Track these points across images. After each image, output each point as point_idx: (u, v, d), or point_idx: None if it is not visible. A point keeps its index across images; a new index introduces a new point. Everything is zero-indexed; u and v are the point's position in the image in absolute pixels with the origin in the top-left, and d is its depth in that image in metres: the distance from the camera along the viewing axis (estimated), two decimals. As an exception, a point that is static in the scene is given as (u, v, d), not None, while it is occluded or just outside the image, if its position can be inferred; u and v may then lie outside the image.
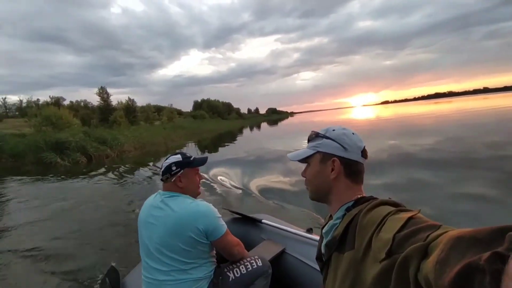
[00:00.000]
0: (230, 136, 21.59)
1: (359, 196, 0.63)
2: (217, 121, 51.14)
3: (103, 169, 8.47)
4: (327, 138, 0.67)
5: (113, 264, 1.65)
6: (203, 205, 1.10)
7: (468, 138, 8.22)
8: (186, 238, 1.04)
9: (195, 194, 1.20)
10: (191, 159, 1.19)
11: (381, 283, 0.43)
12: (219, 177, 5.98)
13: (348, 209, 0.61)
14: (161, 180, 1.17)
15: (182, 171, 1.15)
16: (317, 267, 1.10)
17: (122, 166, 8.91)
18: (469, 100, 65.45)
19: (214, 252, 1.20)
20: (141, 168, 8.48)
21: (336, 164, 0.64)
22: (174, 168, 1.14)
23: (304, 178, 0.72)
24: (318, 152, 0.67)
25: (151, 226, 1.09)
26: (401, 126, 15.11)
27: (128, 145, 13.06)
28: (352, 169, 0.65)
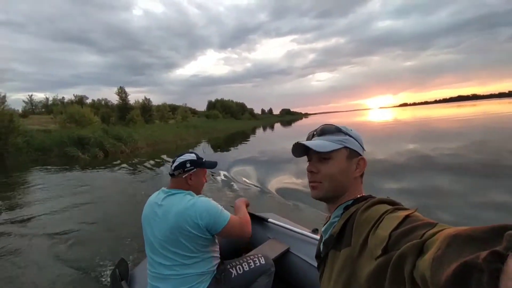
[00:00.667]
0: (243, 136, 21.87)
1: (358, 195, 0.64)
2: (230, 121, 51.96)
3: (117, 164, 9.21)
4: (350, 136, 0.66)
5: (123, 256, 1.73)
6: (201, 201, 1.12)
7: (493, 143, 7.97)
8: (186, 233, 1.06)
9: (198, 193, 1.22)
10: (203, 160, 1.23)
11: (375, 280, 0.43)
12: (230, 175, 6.15)
13: (346, 208, 0.62)
14: (171, 174, 1.18)
15: (195, 169, 1.18)
16: None
17: (135, 161, 9.64)
18: (494, 104, 62.11)
19: (218, 247, 1.22)
20: (152, 163, 9.12)
21: (363, 163, 0.65)
22: (188, 165, 1.16)
23: (311, 173, 0.66)
24: (345, 147, 0.65)
25: (153, 222, 1.12)
26: (421, 130, 14.65)
27: (141, 142, 14.07)
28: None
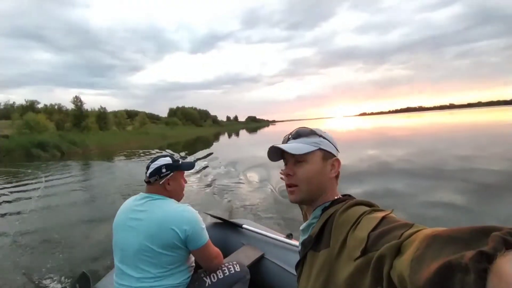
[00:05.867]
0: (203, 143, 21.88)
1: (336, 197, 0.65)
2: (189, 128, 55.59)
3: (71, 161, 13.00)
4: (324, 138, 0.67)
5: (84, 269, 1.62)
6: (189, 211, 1.08)
7: (438, 151, 8.80)
8: (167, 243, 1.01)
9: (179, 198, 1.19)
10: (180, 162, 1.18)
11: (354, 281, 0.44)
12: (199, 182, 6.24)
13: (324, 209, 0.63)
14: (147, 182, 1.12)
15: (171, 174, 1.13)
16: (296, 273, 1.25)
17: (86, 160, 13.58)
18: (437, 115, 70.49)
19: (193, 257, 1.17)
20: (100, 161, 13.02)
21: (337, 164, 0.66)
22: (164, 170, 1.11)
23: (287, 176, 0.66)
24: (320, 149, 0.66)
25: (129, 229, 1.05)
26: (378, 138, 15.66)
27: (92, 146, 18.32)
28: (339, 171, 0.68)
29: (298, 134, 0.68)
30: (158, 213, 1.04)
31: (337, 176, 0.68)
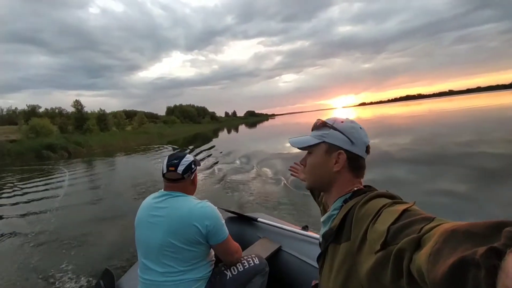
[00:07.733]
0: (201, 140, 21.84)
1: (355, 188, 0.64)
2: (187, 126, 56.63)
3: (78, 160, 14.59)
4: (335, 129, 0.66)
5: (107, 266, 1.65)
6: (209, 207, 1.11)
7: (439, 137, 8.61)
8: (189, 238, 1.04)
9: (194, 192, 1.23)
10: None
11: (375, 274, 0.44)
12: (208, 178, 6.36)
13: (345, 201, 0.62)
14: (179, 179, 1.13)
15: (196, 169, 1.20)
16: (314, 264, 1.24)
17: (92, 157, 15.08)
18: (437, 102, 68.74)
19: (213, 252, 1.21)
20: (103, 159, 14.55)
21: (342, 157, 0.64)
22: (193, 166, 1.16)
23: (301, 166, 0.74)
24: (324, 142, 0.66)
25: (151, 225, 1.08)
26: (378, 127, 15.52)
27: (95, 145, 20.39)
28: (356, 164, 0.66)
29: (313, 127, 0.71)
30: (179, 209, 1.07)
31: (354, 169, 0.66)
